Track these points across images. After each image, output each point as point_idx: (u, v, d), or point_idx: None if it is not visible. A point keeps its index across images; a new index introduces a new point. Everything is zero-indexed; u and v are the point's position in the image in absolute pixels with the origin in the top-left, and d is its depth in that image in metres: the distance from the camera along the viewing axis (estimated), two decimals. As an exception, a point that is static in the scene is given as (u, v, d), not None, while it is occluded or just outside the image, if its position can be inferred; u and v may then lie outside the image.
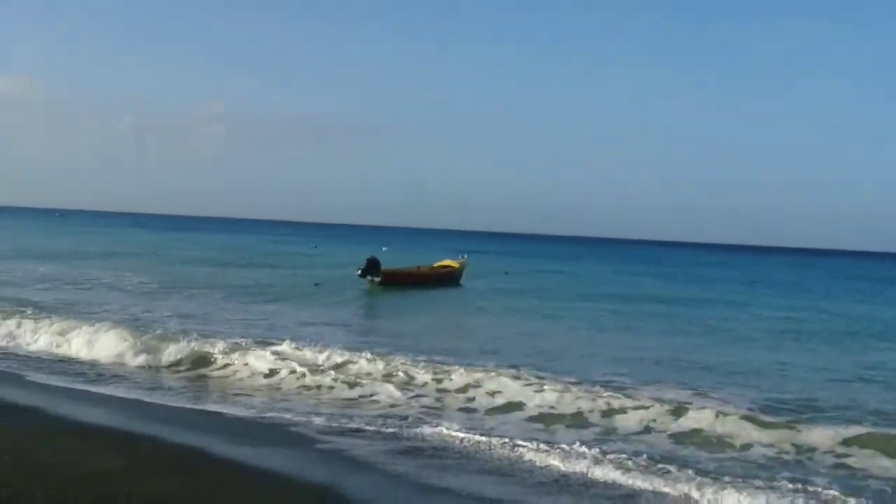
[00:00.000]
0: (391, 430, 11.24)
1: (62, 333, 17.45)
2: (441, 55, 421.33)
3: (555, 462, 9.66)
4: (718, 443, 11.10)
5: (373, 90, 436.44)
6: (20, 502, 6.75)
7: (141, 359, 15.61)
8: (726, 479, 9.01)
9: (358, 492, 8.37)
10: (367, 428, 11.31)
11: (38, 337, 17.54)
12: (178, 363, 15.54)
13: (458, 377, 14.06)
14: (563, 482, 9.02)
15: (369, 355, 15.34)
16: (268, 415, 11.97)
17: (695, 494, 8.56)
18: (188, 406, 12.43)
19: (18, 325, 18.35)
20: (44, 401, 11.78)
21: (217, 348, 15.85)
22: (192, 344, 16.01)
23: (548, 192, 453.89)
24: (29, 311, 19.94)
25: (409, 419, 11.86)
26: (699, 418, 11.78)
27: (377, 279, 33.25)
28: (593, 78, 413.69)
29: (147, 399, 12.76)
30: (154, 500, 7.30)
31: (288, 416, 11.87)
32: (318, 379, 14.28)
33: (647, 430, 11.65)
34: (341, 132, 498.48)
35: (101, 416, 11.10)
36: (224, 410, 12.26)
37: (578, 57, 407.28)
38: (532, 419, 12.28)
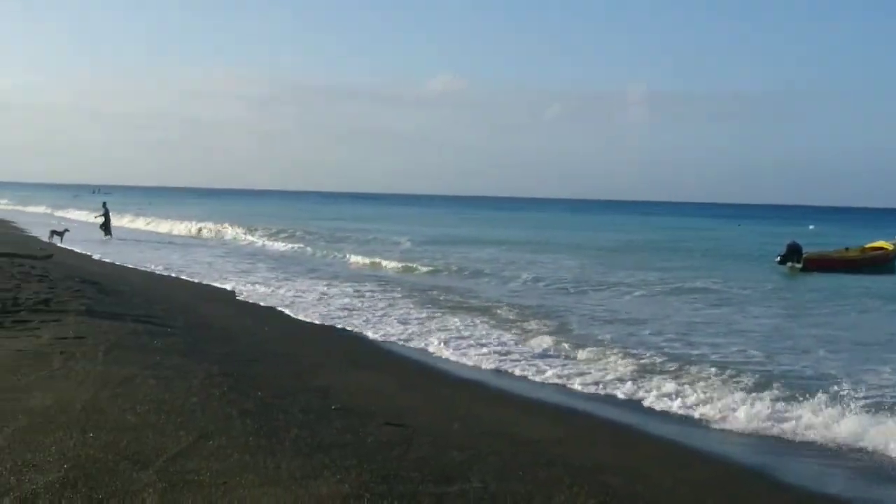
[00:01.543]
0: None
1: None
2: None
3: None
4: None
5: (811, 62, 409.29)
6: (475, 464, 7.46)
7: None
8: None
9: (785, 476, 8.31)
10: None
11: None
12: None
13: None
14: None
15: None
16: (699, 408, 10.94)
17: None
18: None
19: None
20: (485, 375, 12.82)
21: None
22: None
23: None
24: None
25: None
26: None
27: (798, 265, 31.88)
28: None
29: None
30: (589, 468, 7.64)
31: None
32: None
33: None
34: (770, 109, 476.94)
35: (536, 391, 11.87)
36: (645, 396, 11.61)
37: None
38: None
